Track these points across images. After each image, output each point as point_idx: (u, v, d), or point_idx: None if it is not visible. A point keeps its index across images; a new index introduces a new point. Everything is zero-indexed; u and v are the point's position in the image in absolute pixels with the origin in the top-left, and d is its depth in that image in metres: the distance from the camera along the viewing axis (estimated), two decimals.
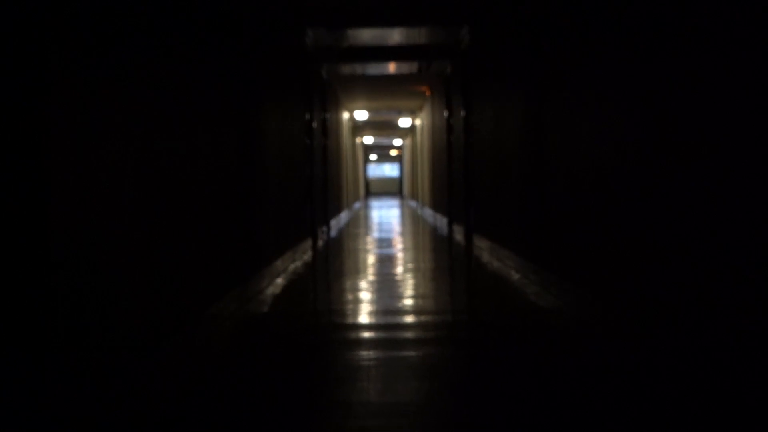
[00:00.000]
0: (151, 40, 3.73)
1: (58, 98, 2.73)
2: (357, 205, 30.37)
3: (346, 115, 22.85)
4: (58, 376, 2.70)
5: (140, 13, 3.59)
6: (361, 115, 25.01)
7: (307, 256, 10.22)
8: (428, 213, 21.69)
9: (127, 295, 3.39)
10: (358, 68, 14.79)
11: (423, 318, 5.39)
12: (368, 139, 39.48)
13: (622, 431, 2.98)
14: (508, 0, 7.97)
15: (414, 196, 32.06)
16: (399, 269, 8.40)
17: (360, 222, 19.06)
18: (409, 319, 5.37)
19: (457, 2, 10.39)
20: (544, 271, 6.46)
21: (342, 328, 5.07)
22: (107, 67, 3.19)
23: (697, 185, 3.46)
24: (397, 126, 31.11)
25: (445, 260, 9.28)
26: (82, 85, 2.94)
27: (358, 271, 8.27)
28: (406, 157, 41.02)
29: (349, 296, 6.47)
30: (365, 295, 6.53)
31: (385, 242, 12.35)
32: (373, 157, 56.41)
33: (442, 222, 17.03)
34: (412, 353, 4.32)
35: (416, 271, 8.15)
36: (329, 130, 16.31)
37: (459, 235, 12.99)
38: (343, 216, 20.43)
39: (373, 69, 14.97)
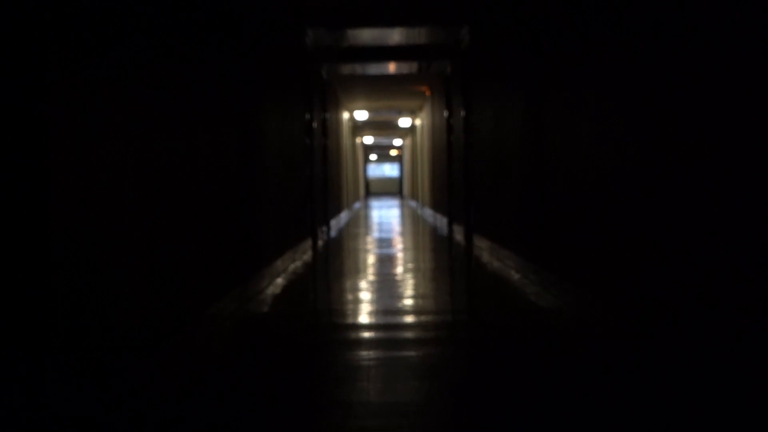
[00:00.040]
0: (151, 40, 3.74)
1: (58, 98, 2.73)
2: (357, 205, 30.37)
3: (346, 115, 22.85)
4: (58, 376, 2.70)
5: (140, 13, 3.59)
6: (361, 115, 25.01)
7: (307, 256, 10.22)
8: (428, 213, 21.69)
9: (127, 295, 3.39)
10: (358, 68, 14.79)
11: (423, 318, 5.39)
12: (368, 139, 39.48)
13: (622, 431, 2.98)
14: (508, 0, 7.97)
15: (414, 196, 32.06)
16: (399, 269, 8.40)
17: (360, 222, 19.06)
18: (409, 319, 5.37)
19: (457, 2, 10.39)
20: (544, 271, 6.46)
21: (342, 328, 5.07)
22: (107, 67, 3.19)
23: (697, 185, 3.46)
24: (397, 126, 31.10)
25: (445, 260, 9.28)
26: (82, 85, 2.94)
27: (358, 271, 8.27)
28: (406, 157, 41.00)
29: (349, 296, 6.47)
30: (365, 295, 6.53)
31: (385, 242, 12.34)
32: (373, 157, 56.40)
33: (442, 222, 17.03)
34: (412, 353, 4.32)
35: (416, 271, 8.15)
36: (329, 130, 16.31)
37: (459, 235, 12.99)
38: (343, 216, 20.43)
39: (373, 69, 14.97)
